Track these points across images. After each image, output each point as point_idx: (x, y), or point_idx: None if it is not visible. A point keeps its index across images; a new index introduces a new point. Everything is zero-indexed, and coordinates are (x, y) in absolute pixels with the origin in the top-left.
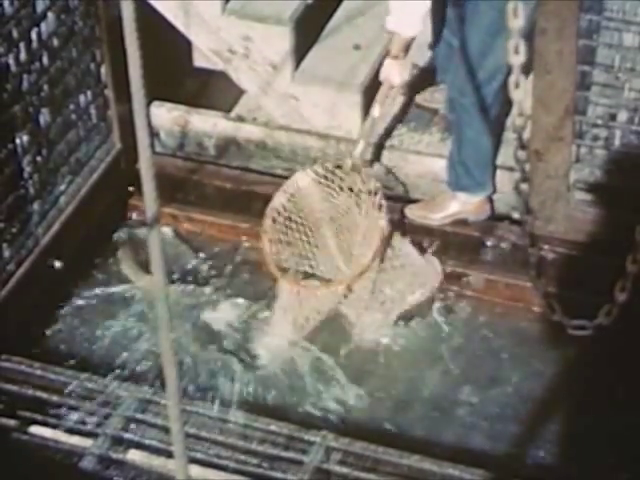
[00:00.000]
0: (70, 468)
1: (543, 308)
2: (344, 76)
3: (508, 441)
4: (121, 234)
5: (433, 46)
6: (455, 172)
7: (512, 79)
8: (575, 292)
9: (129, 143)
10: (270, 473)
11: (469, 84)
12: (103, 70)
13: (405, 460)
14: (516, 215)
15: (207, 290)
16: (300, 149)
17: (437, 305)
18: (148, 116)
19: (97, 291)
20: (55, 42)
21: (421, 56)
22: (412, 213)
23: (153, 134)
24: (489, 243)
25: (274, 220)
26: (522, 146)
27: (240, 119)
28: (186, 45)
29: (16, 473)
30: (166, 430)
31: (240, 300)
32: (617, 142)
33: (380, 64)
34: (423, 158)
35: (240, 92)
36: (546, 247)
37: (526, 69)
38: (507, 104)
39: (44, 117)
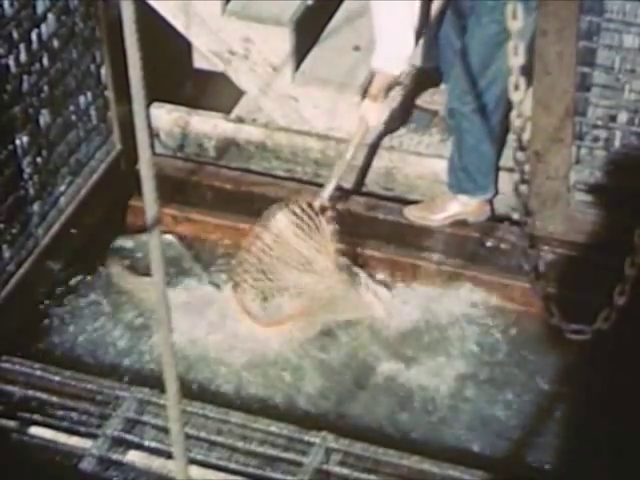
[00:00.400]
0: (70, 469)
1: (542, 311)
2: (344, 77)
3: (508, 442)
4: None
5: (439, 51)
6: (456, 176)
7: (511, 81)
8: (575, 293)
9: (129, 144)
10: (270, 474)
11: (469, 93)
12: (103, 71)
13: (405, 461)
14: (516, 216)
15: (206, 290)
16: (300, 150)
17: (436, 306)
18: (148, 117)
19: (97, 292)
20: (55, 43)
21: (421, 58)
22: (412, 214)
23: (153, 135)
24: (489, 244)
25: (253, 253)
26: (521, 147)
27: (240, 120)
28: (186, 46)
29: (16, 474)
30: (166, 431)
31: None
32: (617, 143)
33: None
34: (423, 159)
35: (240, 93)
36: (546, 248)
37: (526, 71)
38: (509, 107)
39: (44, 118)
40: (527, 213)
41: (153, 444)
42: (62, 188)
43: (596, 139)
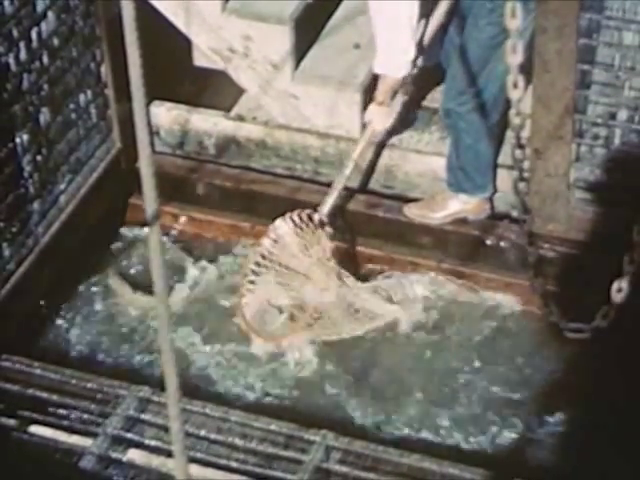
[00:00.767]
0: (70, 467)
1: (541, 308)
2: (344, 75)
3: (508, 440)
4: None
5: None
6: (455, 175)
7: (510, 79)
8: (575, 291)
9: (129, 142)
10: (270, 472)
11: (466, 93)
12: (103, 69)
13: (405, 459)
14: (516, 214)
15: (207, 289)
16: (300, 148)
17: (436, 305)
18: (148, 115)
19: (97, 290)
20: (55, 41)
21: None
22: (412, 212)
23: (153, 133)
24: (489, 242)
25: (258, 264)
26: (520, 145)
27: (240, 118)
28: (186, 44)
29: (16, 472)
30: (166, 429)
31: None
32: (617, 141)
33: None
34: (423, 157)
35: (240, 91)
36: (546, 246)
37: (525, 69)
38: (508, 105)
39: (44, 116)
40: (526, 211)
41: (153, 442)
42: (62, 186)
43: (596, 137)
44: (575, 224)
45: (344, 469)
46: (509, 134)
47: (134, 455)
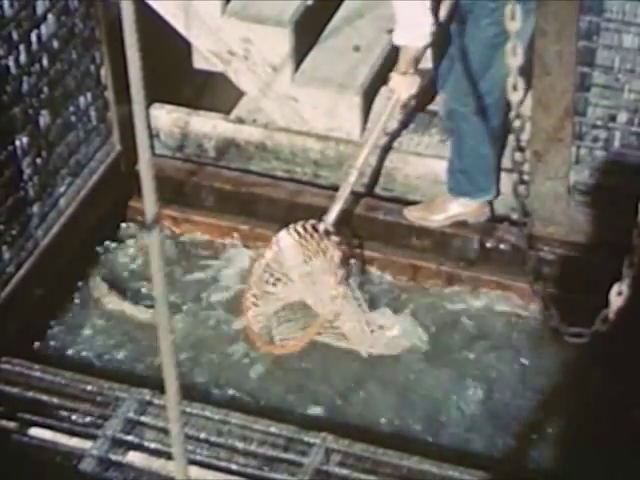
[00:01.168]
0: (70, 470)
1: (541, 312)
2: (344, 77)
3: (508, 443)
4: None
5: (435, 58)
6: (456, 179)
7: (510, 81)
8: (574, 293)
9: (129, 145)
10: (270, 475)
11: (470, 95)
12: (103, 72)
13: (405, 461)
14: (515, 217)
15: (206, 292)
16: (300, 151)
17: (435, 307)
18: (148, 118)
19: (97, 292)
20: (55, 44)
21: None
22: (411, 215)
23: (153, 136)
24: (488, 245)
25: (261, 276)
26: (520, 148)
27: (240, 121)
28: (186, 47)
29: (16, 475)
30: (166, 432)
31: (240, 300)
32: (617, 143)
33: (379, 66)
34: (423, 159)
35: (240, 94)
36: (546, 248)
37: (525, 71)
38: (508, 107)
39: (44, 119)
40: (526, 214)
41: (153, 445)
42: (62, 189)
43: (596, 139)
44: (575, 227)
45: (344, 471)
46: (509, 137)
47: (134, 458)
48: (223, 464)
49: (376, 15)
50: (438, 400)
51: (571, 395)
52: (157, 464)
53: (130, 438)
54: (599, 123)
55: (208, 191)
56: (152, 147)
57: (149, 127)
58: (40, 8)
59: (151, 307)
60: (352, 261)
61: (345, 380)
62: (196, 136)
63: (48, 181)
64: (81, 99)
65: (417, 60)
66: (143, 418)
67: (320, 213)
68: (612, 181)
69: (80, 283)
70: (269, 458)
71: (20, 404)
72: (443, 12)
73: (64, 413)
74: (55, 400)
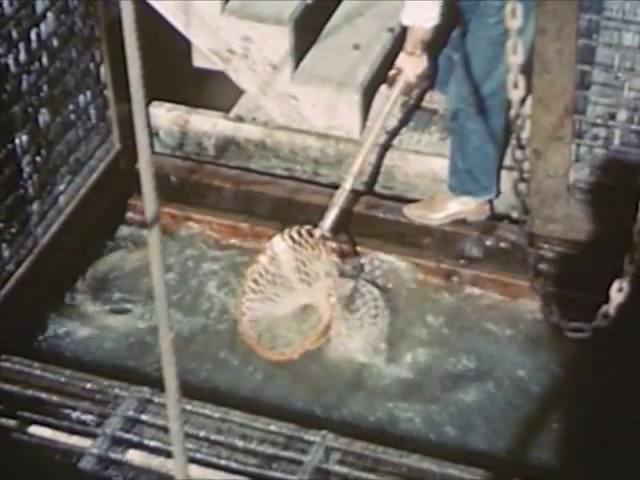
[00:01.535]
0: (69, 468)
1: (541, 309)
2: (343, 76)
3: (508, 441)
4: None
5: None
6: (459, 179)
7: (510, 79)
8: (574, 292)
9: (128, 143)
10: (269, 473)
11: (476, 94)
12: (102, 70)
13: (405, 460)
14: (515, 215)
15: (206, 290)
16: (299, 149)
17: (435, 305)
18: (147, 116)
19: (97, 290)
20: (55, 42)
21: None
22: (411, 213)
23: (152, 134)
24: (488, 242)
25: (256, 281)
26: (520, 146)
27: (239, 119)
28: (185, 45)
29: (15, 473)
30: (165, 430)
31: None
32: (617, 141)
33: (379, 64)
34: (422, 157)
35: (239, 92)
36: (545, 247)
37: (525, 69)
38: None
39: (43, 117)
40: (526, 211)
41: (153, 443)
42: (61, 187)
43: (595, 137)
44: (574, 225)
45: (344, 470)
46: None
47: (134, 456)
48: (223, 462)
49: (376, 13)
50: (438, 398)
51: (572, 393)
52: (157, 462)
53: (130, 436)
54: (599, 121)
55: (208, 189)
56: (152, 145)
57: (149, 125)
58: (40, 7)
59: (124, 313)
60: (349, 267)
61: (345, 378)
62: (196, 134)
63: (48, 179)
64: (81, 97)
65: (424, 42)
66: (143, 416)
67: (320, 211)
68: (612, 179)
69: (79, 282)
70: (269, 456)
71: (19, 402)
72: None
73: (64, 411)
74: (55, 398)
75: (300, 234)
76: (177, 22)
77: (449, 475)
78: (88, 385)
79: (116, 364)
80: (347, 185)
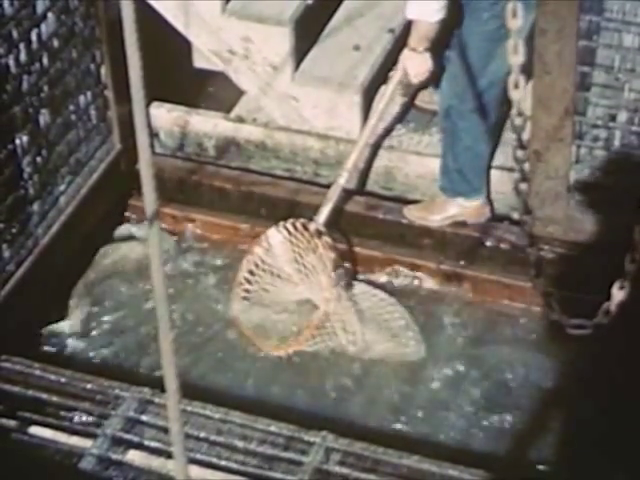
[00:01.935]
0: (70, 468)
1: (542, 307)
2: (344, 77)
3: (508, 442)
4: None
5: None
6: (450, 179)
7: (511, 79)
8: (574, 292)
9: (129, 144)
10: (270, 474)
11: (469, 91)
12: (103, 71)
13: (405, 461)
14: (516, 216)
15: (206, 290)
16: (300, 150)
17: (435, 305)
18: (148, 117)
19: (97, 291)
20: (55, 43)
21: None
22: (411, 214)
23: (153, 135)
24: (488, 244)
25: (251, 272)
26: (521, 146)
27: (240, 120)
28: (186, 46)
29: (16, 474)
30: (165, 430)
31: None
32: (617, 143)
33: (379, 65)
34: (423, 158)
35: (240, 93)
36: (546, 247)
37: (526, 70)
38: (507, 105)
39: (44, 118)
40: (527, 212)
41: (153, 444)
42: (62, 188)
43: (596, 138)
44: (575, 226)
45: (344, 470)
46: (508, 135)
47: (134, 456)
48: (223, 463)
49: (376, 14)
50: (438, 399)
51: (573, 391)
52: (157, 463)
53: (130, 437)
54: (599, 122)
55: (208, 190)
56: (152, 146)
57: (149, 126)
58: (40, 7)
59: (124, 313)
60: (346, 263)
61: (345, 378)
62: (196, 135)
63: (48, 180)
64: (81, 98)
65: (428, 38)
66: (143, 417)
67: (317, 237)
68: (612, 180)
69: (79, 282)
70: (269, 457)
71: (20, 403)
72: None
73: (64, 412)
74: (55, 399)
75: (295, 227)
76: (177, 23)
77: (449, 476)
78: (88, 385)
79: (116, 364)
80: (342, 180)
